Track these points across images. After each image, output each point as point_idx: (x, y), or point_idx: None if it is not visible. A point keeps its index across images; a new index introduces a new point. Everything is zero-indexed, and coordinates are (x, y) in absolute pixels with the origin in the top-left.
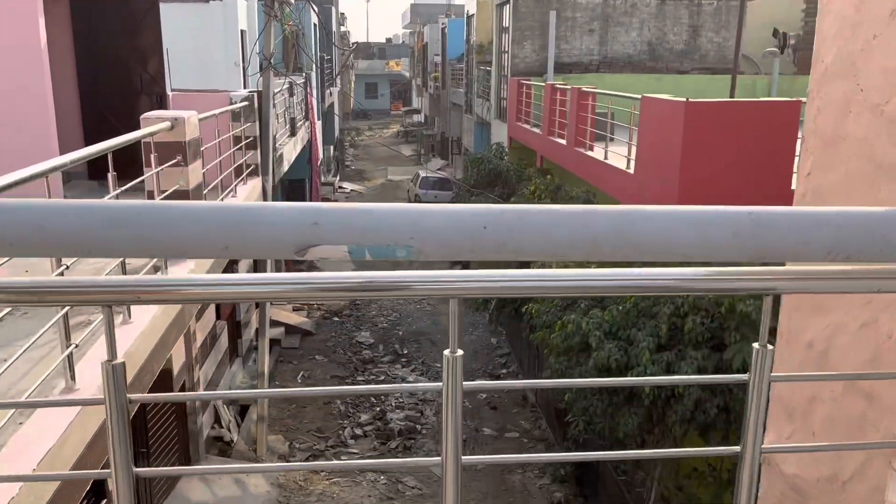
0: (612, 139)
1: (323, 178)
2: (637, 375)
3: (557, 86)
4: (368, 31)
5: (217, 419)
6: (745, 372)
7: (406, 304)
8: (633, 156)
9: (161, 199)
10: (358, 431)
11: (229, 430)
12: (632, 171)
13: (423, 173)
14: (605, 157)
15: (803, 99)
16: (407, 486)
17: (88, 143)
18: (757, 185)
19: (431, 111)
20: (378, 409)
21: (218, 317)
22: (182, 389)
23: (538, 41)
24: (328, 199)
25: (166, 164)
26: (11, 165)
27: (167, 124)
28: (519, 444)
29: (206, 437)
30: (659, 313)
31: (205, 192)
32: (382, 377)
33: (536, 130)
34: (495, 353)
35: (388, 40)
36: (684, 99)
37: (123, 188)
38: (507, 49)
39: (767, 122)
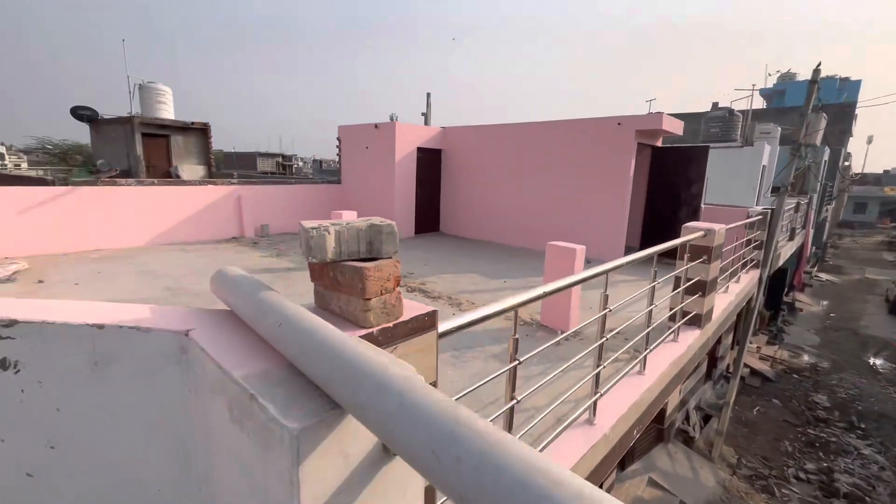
0: None
1: (806, 268)
2: None
3: None
4: (865, 164)
5: (687, 418)
6: None
7: (869, 382)
8: None
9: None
10: (801, 475)
11: (693, 429)
12: None
13: None
14: None
15: None
16: None
17: (645, 234)
18: None
19: None
20: (825, 465)
21: None
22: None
23: None
24: (806, 285)
25: (695, 262)
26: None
27: (701, 233)
28: None
29: (676, 428)
30: None
31: (718, 279)
32: (834, 439)
33: None
34: None
35: (886, 171)
36: None
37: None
38: None
39: None
